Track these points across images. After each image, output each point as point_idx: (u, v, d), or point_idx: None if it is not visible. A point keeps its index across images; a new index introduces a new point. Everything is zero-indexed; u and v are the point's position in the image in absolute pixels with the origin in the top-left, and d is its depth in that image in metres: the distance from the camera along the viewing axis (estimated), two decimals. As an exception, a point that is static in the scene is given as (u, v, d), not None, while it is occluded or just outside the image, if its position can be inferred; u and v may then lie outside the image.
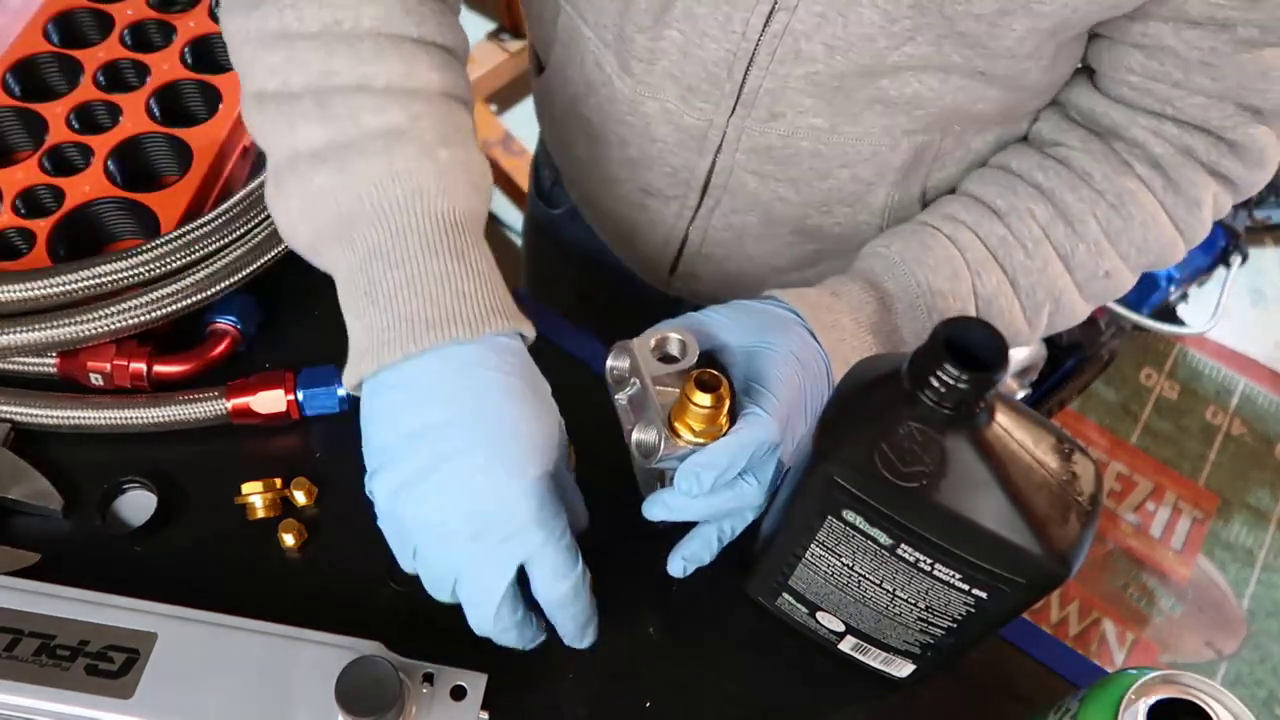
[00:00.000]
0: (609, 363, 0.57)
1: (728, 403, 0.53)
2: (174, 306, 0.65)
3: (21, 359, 0.66)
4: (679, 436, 0.53)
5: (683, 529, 0.58)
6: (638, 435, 0.55)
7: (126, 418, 0.65)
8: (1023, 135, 0.72)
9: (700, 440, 0.53)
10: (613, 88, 0.71)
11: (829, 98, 0.64)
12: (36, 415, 0.65)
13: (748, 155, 0.69)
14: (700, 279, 0.84)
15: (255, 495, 0.63)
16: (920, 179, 0.71)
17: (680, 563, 0.58)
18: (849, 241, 0.76)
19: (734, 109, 0.67)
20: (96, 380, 0.66)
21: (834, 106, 0.65)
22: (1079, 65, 0.68)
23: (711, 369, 0.54)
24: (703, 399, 0.52)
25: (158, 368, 0.67)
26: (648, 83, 0.68)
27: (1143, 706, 0.47)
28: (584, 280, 1.02)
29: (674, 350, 0.55)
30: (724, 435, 0.53)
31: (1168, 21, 0.58)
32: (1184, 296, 1.73)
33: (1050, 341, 1.70)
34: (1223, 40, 0.58)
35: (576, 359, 0.73)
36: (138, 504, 0.64)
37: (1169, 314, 1.71)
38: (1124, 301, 1.58)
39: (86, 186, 0.71)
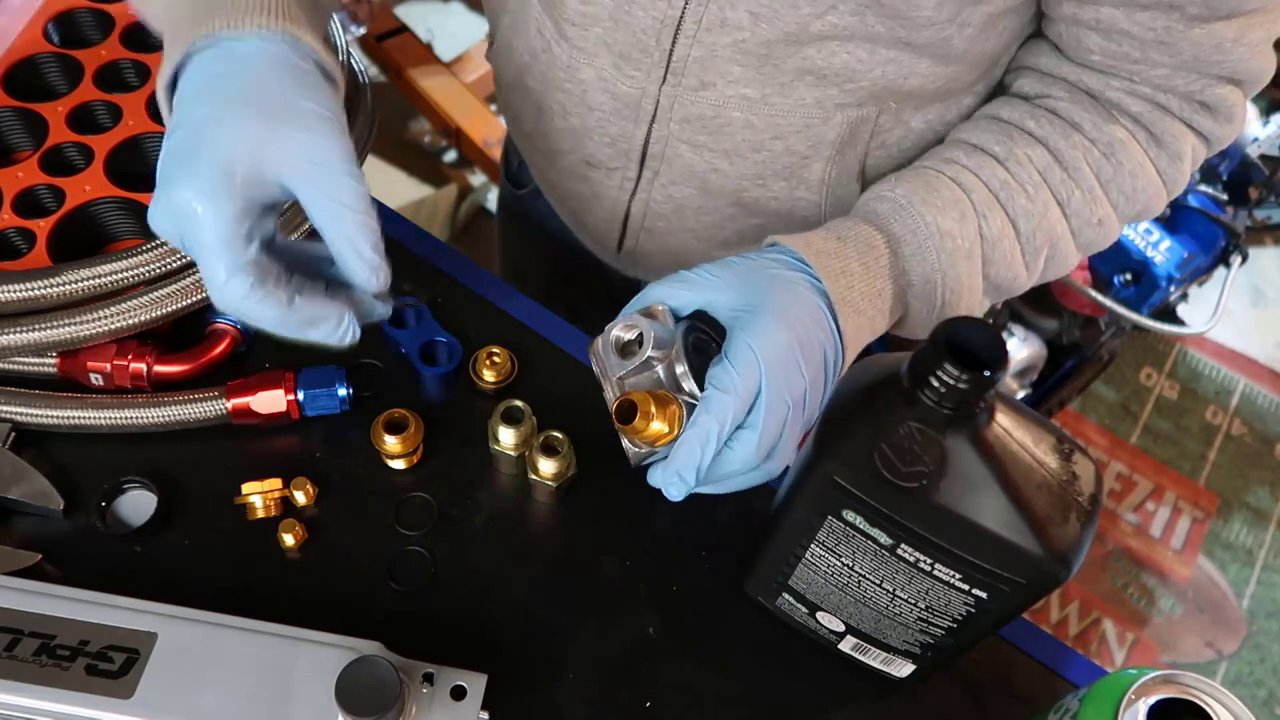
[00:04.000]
0: (592, 366, 0.58)
1: (670, 407, 0.54)
2: (174, 306, 0.65)
3: (21, 359, 0.66)
4: (650, 443, 0.55)
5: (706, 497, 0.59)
6: (624, 442, 0.56)
7: (126, 418, 0.65)
8: (963, 114, 0.73)
9: (673, 437, 0.54)
10: (552, 54, 0.72)
11: (757, 66, 0.65)
12: (36, 415, 0.65)
13: (681, 125, 0.70)
14: (647, 255, 0.85)
15: (255, 495, 0.63)
16: (858, 156, 0.72)
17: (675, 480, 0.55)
18: (789, 218, 0.76)
19: (665, 78, 0.68)
20: (96, 380, 0.66)
21: (763, 76, 0.65)
22: (1041, 37, 0.69)
23: (630, 397, 0.54)
24: (641, 425, 0.53)
25: (158, 368, 0.67)
26: (583, 49, 0.70)
27: (1143, 706, 0.47)
28: (552, 262, 1.02)
29: (631, 339, 0.56)
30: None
31: (1119, 6, 0.61)
32: (1184, 296, 1.73)
33: (1050, 341, 1.70)
34: (1174, 19, 0.60)
35: (576, 358, 0.73)
36: (138, 504, 0.64)
37: (1169, 314, 1.71)
38: (1124, 301, 1.58)
39: (86, 186, 0.71)
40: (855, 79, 0.65)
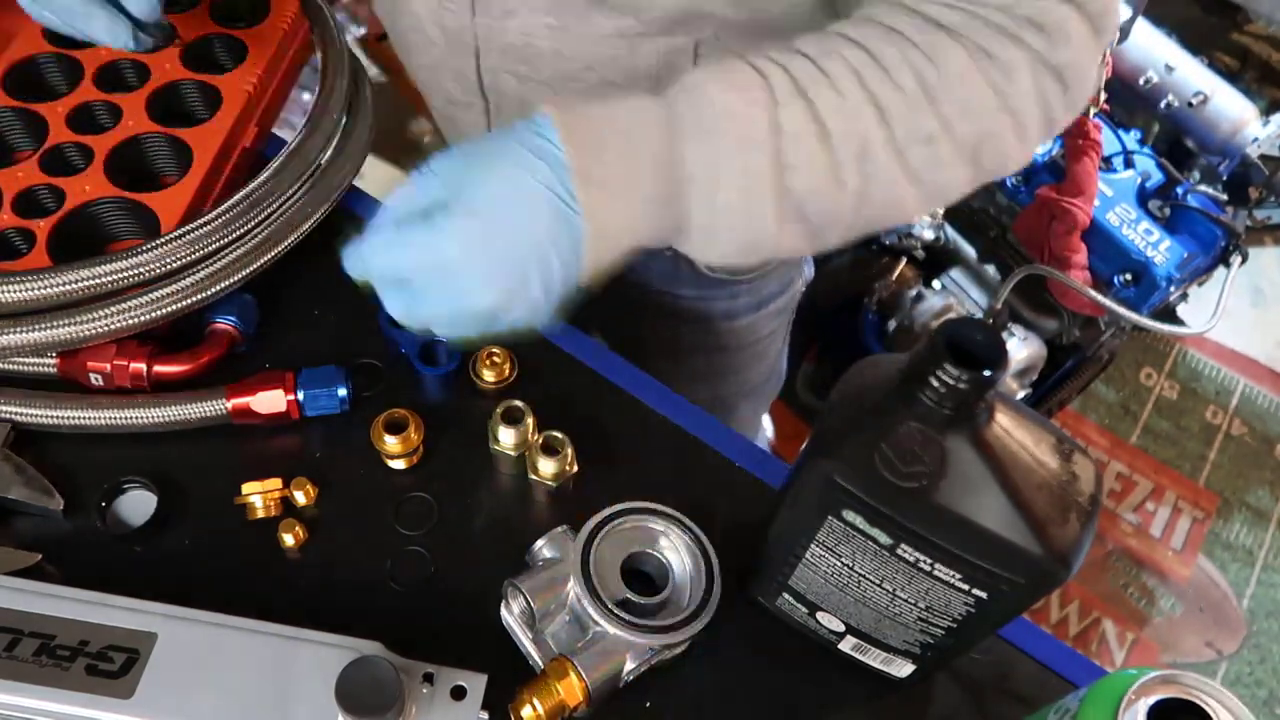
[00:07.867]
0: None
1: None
2: (174, 306, 0.65)
3: (21, 359, 0.66)
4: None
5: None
6: None
7: (126, 418, 0.65)
8: None
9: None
10: None
11: None
12: (36, 415, 0.65)
13: (501, 56, 0.72)
14: None
15: (255, 495, 0.63)
16: None
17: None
18: None
19: (473, 7, 0.70)
20: (96, 380, 0.66)
21: (560, 4, 0.67)
22: None
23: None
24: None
25: (158, 368, 0.67)
26: None
27: (1143, 706, 0.47)
28: None
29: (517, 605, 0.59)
30: None
31: None
32: (1184, 296, 1.73)
33: (1050, 341, 1.70)
34: None
35: (576, 358, 0.73)
36: (138, 504, 0.64)
37: (1169, 314, 1.71)
38: (1124, 301, 1.57)
39: (86, 186, 0.71)
40: (648, 8, 0.65)
